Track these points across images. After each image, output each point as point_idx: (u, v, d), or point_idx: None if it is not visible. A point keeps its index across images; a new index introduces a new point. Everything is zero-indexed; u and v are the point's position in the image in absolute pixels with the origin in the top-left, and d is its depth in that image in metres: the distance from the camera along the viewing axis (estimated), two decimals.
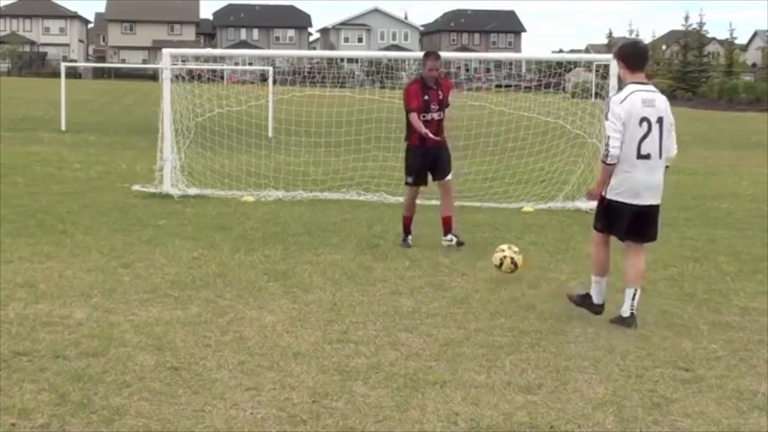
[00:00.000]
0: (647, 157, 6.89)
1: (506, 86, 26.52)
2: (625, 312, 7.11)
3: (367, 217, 12.54)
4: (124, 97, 52.64)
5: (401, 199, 14.28)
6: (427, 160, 10.43)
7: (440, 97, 10.37)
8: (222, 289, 8.02)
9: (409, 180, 10.55)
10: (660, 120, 6.91)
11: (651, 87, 7.07)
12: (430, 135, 10.17)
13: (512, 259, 8.70)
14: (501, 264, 8.72)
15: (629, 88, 6.98)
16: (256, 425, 4.98)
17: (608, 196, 7.06)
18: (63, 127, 28.79)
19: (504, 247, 8.90)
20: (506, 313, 7.45)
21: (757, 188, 17.35)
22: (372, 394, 5.46)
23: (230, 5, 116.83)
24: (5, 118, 31.91)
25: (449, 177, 10.51)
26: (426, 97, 10.29)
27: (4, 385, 5.44)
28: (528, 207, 13.88)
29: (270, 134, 23.07)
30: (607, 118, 6.92)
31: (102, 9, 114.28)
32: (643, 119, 6.86)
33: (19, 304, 7.30)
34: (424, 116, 10.28)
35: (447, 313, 7.42)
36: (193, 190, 14.44)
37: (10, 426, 4.87)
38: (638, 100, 6.88)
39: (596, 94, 18.22)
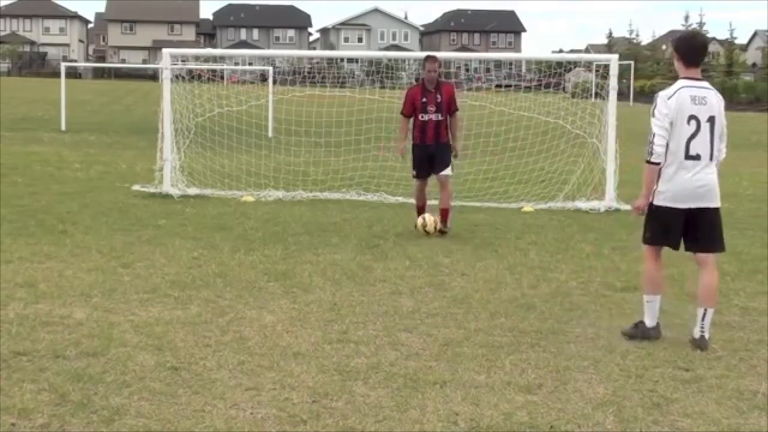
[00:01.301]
0: (696, 158, 6.45)
1: (506, 86, 26.55)
2: (696, 333, 6.59)
3: (367, 217, 12.54)
4: (124, 97, 52.64)
5: (401, 199, 14.35)
6: (427, 156, 11.24)
7: (438, 100, 11.09)
8: (222, 289, 8.02)
9: (414, 173, 11.43)
10: (711, 119, 6.47)
11: (704, 83, 6.62)
12: (400, 148, 11.57)
13: (434, 227, 10.96)
14: (425, 226, 10.99)
15: (678, 83, 6.57)
16: (256, 425, 4.98)
17: (655, 202, 6.60)
18: (63, 127, 28.80)
19: (420, 221, 11.07)
20: (506, 313, 7.45)
21: (757, 188, 17.35)
22: (372, 394, 5.46)
23: (230, 5, 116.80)
24: (5, 118, 31.91)
25: (446, 172, 11.28)
26: (424, 99, 11.10)
27: (4, 385, 5.44)
28: (528, 207, 13.88)
29: (270, 134, 23.07)
30: (653, 115, 6.49)
31: (102, 9, 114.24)
32: (692, 117, 6.43)
33: (19, 304, 7.30)
34: (421, 117, 11.15)
35: (447, 313, 7.42)
36: (193, 190, 14.45)
37: (10, 426, 4.87)
38: (687, 97, 6.47)
39: (596, 94, 18.23)
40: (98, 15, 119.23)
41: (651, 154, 6.48)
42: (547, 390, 5.62)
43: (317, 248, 10.04)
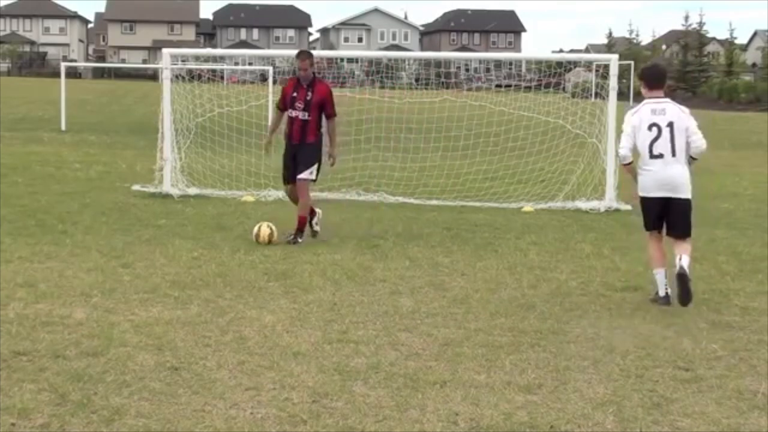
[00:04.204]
0: (660, 156, 7.85)
1: (506, 86, 26.52)
2: (677, 270, 7.65)
3: (367, 217, 12.54)
4: (124, 97, 52.64)
5: (401, 199, 14.37)
6: (291, 156, 10.58)
7: (308, 98, 10.38)
8: (222, 289, 8.02)
9: (283, 178, 10.82)
10: (671, 124, 7.88)
11: (665, 99, 8.09)
12: (265, 140, 10.96)
13: (269, 236, 10.20)
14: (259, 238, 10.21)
15: (644, 102, 8.09)
16: (256, 425, 4.98)
17: (640, 194, 8.08)
18: (63, 127, 28.80)
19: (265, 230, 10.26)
20: (506, 313, 7.45)
21: (757, 188, 17.35)
22: (372, 394, 5.46)
23: (230, 5, 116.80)
24: (5, 118, 31.91)
25: (303, 176, 10.44)
26: (294, 94, 10.45)
27: (4, 385, 5.44)
28: (528, 207, 13.88)
29: None
30: (623, 128, 8.16)
31: (102, 9, 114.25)
32: (653, 125, 7.89)
33: (19, 304, 7.30)
34: (289, 113, 10.51)
35: (447, 313, 7.42)
36: (193, 190, 14.44)
37: (10, 426, 4.87)
38: (648, 110, 7.98)
39: (596, 94, 18.23)
40: (98, 15, 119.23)
41: (618, 156, 8.20)
42: (547, 390, 5.62)
43: (317, 248, 10.04)
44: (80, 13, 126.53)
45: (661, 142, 7.86)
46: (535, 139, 16.80)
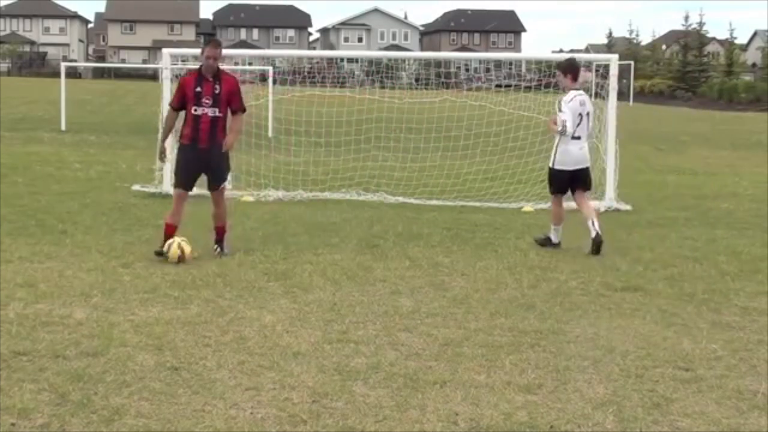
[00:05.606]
0: (578, 138, 10.30)
1: (506, 86, 26.51)
2: (592, 233, 9.98)
3: (367, 217, 12.53)
4: (124, 97, 52.62)
5: (401, 199, 14.35)
6: (198, 163, 9.54)
7: (216, 91, 9.29)
8: (222, 289, 8.02)
9: (176, 182, 9.80)
10: (588, 114, 10.37)
11: (582, 92, 10.53)
12: (160, 146, 10.15)
13: (179, 245, 9.12)
14: (168, 251, 9.09)
15: (572, 93, 10.31)
16: (256, 425, 4.98)
17: (555, 167, 10.41)
18: (63, 127, 28.78)
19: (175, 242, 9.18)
20: (506, 313, 7.45)
21: (757, 188, 17.35)
22: (372, 394, 5.46)
23: (230, 5, 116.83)
24: (5, 118, 31.89)
25: (223, 185, 9.78)
26: (198, 89, 9.30)
27: (4, 385, 5.44)
28: (528, 207, 13.88)
29: (270, 134, 23.06)
30: (561, 110, 10.26)
31: (102, 9, 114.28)
32: (579, 114, 10.23)
33: (19, 304, 7.30)
34: (194, 110, 9.34)
35: (447, 313, 7.41)
36: (193, 190, 14.41)
37: (10, 426, 4.87)
38: (578, 102, 10.28)
39: (596, 94, 18.20)
40: (98, 15, 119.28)
41: (564, 132, 10.19)
42: (547, 390, 5.62)
43: (317, 248, 10.03)
44: (80, 13, 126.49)
45: (581, 128, 10.26)
46: (535, 139, 16.79)
